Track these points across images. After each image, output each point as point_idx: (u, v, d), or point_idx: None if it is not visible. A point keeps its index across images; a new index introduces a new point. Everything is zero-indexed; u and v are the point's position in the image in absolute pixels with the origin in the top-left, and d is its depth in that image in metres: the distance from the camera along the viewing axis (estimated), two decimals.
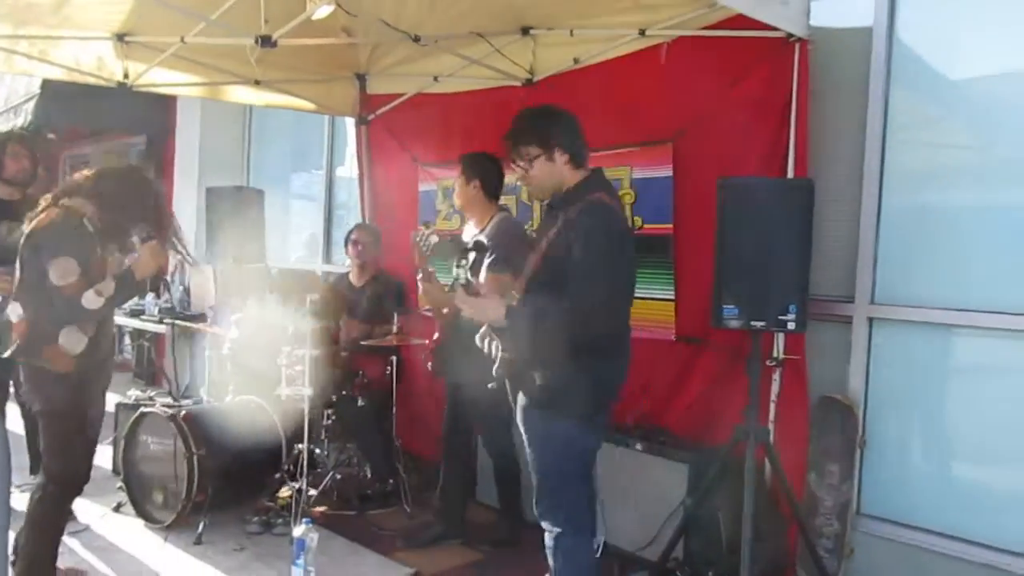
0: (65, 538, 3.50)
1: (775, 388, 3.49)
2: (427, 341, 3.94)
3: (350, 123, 5.92)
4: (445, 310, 3.74)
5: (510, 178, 4.68)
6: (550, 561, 2.66)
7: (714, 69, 3.70)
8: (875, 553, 3.42)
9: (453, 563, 3.71)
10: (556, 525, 2.64)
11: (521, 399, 2.67)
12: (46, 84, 6.96)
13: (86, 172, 3.09)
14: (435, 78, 4.86)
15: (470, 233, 3.82)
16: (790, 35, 3.32)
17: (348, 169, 6.63)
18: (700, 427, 3.78)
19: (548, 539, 2.66)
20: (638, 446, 3.70)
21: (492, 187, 3.77)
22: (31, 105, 7.34)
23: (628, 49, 3.99)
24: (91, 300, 2.83)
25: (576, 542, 2.65)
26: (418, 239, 3.52)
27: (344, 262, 6.52)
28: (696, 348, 3.81)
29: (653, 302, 3.93)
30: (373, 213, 5.60)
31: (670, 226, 3.92)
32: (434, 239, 3.53)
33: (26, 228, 2.93)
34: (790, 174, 3.39)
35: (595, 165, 4.17)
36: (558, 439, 2.61)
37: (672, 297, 3.91)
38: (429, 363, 3.89)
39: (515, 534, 3.85)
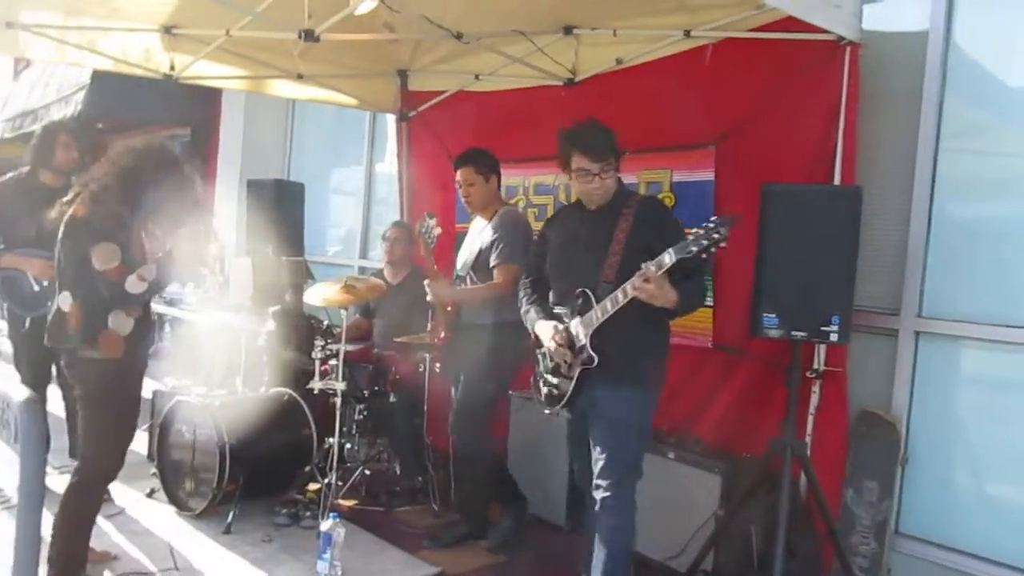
0: (100, 521, 3.56)
1: (814, 400, 3.40)
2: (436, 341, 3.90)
3: (391, 119, 5.93)
4: (448, 308, 3.77)
5: (546, 178, 4.72)
6: (606, 522, 2.81)
7: (760, 72, 3.63)
8: (913, 575, 3.31)
9: (478, 563, 3.68)
10: (625, 495, 2.81)
11: (609, 389, 2.79)
12: (96, 75, 7.11)
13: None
14: (476, 76, 4.85)
15: (479, 227, 3.82)
16: (841, 38, 3.23)
17: (388, 165, 6.65)
18: (734, 437, 3.71)
19: (611, 507, 2.79)
20: (670, 454, 3.63)
21: (500, 181, 3.89)
22: (81, 95, 7.51)
23: (672, 50, 3.93)
24: (134, 284, 2.88)
25: (632, 502, 2.85)
26: (422, 230, 3.55)
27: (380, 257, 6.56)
28: (733, 356, 3.73)
29: None
30: (411, 210, 5.60)
31: None
32: (437, 231, 3.62)
33: (60, 215, 2.97)
34: (837, 181, 3.30)
35: (635, 167, 4.16)
36: (648, 416, 2.89)
37: (710, 304, 3.83)
38: (437, 364, 3.89)
39: (521, 534, 3.85)
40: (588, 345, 2.78)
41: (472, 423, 3.68)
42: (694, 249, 2.51)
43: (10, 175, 4.00)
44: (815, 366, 3.37)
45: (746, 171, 3.66)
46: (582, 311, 2.82)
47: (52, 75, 8.43)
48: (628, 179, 4.18)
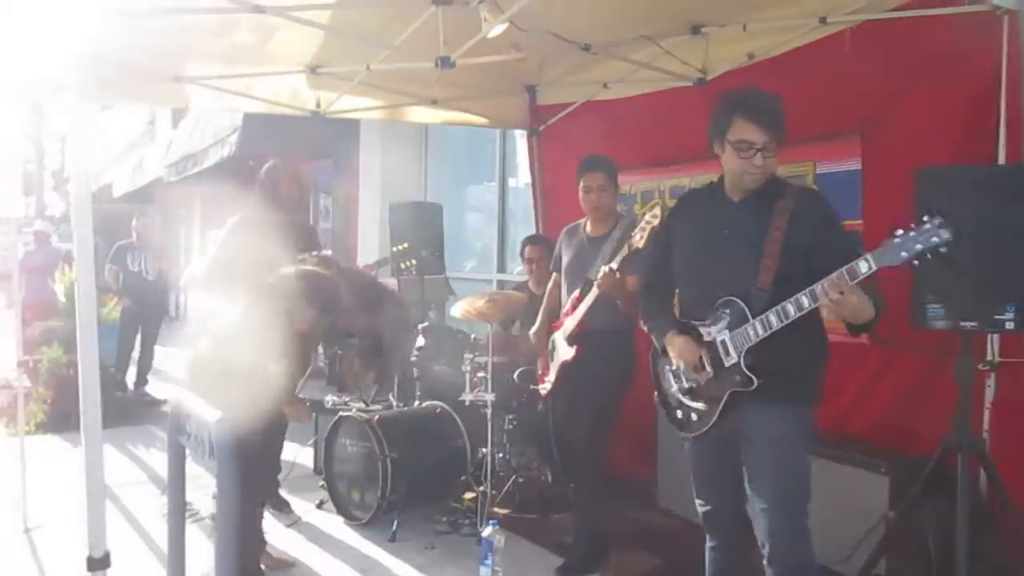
0: (280, 529, 3.84)
1: (989, 394, 3.19)
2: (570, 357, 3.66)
3: (521, 134, 6.05)
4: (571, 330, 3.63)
5: (682, 180, 4.66)
6: (792, 563, 2.45)
7: (906, 52, 3.46)
8: None
9: (638, 569, 3.68)
10: (806, 524, 2.48)
11: (773, 410, 2.41)
12: (246, 116, 7.67)
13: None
14: (604, 85, 4.87)
15: (591, 236, 3.71)
16: (996, 7, 3.03)
17: (519, 180, 6.78)
18: (899, 435, 3.53)
19: (793, 543, 2.45)
20: (830, 456, 3.50)
21: None
22: (235, 137, 8.11)
23: (807, 39, 3.81)
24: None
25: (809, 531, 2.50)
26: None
27: (515, 271, 6.68)
28: (891, 350, 3.56)
29: None
30: (546, 222, 5.68)
31: (859, 222, 3.71)
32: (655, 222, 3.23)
33: (294, 267, 3.06)
34: (1001, 160, 3.10)
35: (775, 162, 4.05)
36: (812, 434, 2.58)
37: None
38: (546, 380, 3.80)
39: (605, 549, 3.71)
40: (742, 364, 2.42)
41: (606, 432, 3.63)
42: (904, 255, 2.10)
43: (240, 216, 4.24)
44: (988, 357, 3.16)
45: (896, 157, 3.50)
46: (731, 324, 2.45)
47: (208, 120, 9.15)
48: None
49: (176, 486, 2.59)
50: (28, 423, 5.13)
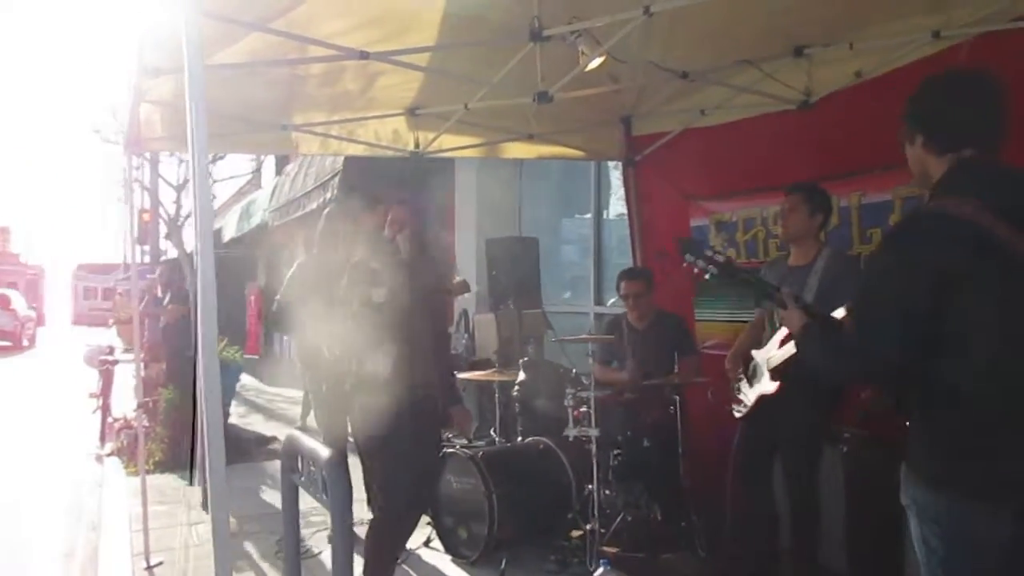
0: None
1: None
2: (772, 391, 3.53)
3: (615, 165, 6.02)
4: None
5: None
6: None
7: None
8: None
9: None
10: None
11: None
12: (347, 160, 7.93)
13: None
14: (702, 111, 4.79)
15: (785, 266, 3.66)
16: None
17: (614, 211, 6.74)
18: None
19: None
20: None
21: (826, 223, 3.67)
22: (336, 180, 8.39)
23: (918, 55, 3.65)
24: None
25: None
26: None
27: (610, 301, 6.61)
28: None
29: None
30: (643, 253, 5.61)
31: None
32: None
33: None
34: None
35: (889, 183, 3.89)
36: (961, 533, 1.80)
37: None
38: (744, 404, 3.71)
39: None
40: None
41: (817, 455, 3.56)
42: None
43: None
44: None
45: None
46: None
47: (310, 165, 9.51)
48: (882, 197, 3.94)
49: (291, 523, 2.65)
50: (147, 461, 5.35)
